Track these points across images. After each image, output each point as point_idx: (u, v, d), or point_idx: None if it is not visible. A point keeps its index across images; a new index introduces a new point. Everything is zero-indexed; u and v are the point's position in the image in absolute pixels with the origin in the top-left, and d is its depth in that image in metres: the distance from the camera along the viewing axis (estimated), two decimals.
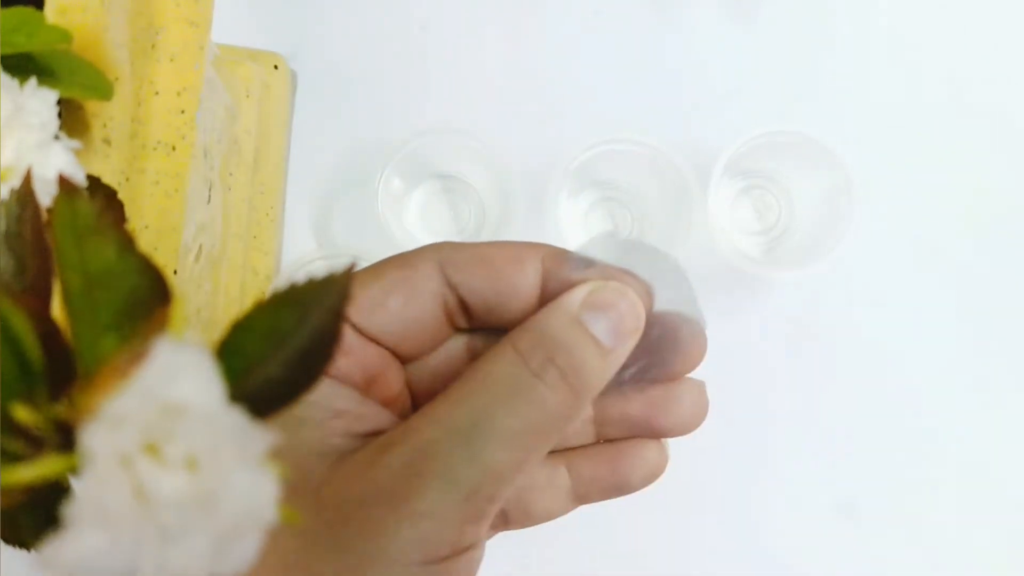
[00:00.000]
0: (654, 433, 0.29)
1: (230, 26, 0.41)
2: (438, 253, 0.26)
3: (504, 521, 0.29)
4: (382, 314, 0.26)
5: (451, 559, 0.23)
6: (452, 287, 0.26)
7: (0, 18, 0.27)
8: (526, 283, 0.26)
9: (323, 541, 0.23)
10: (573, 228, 0.48)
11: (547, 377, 0.24)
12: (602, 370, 0.25)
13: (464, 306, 0.27)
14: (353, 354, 0.25)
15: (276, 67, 0.47)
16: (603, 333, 0.25)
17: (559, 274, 0.26)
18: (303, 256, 0.47)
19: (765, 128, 0.44)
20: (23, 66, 0.27)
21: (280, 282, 0.46)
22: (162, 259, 0.34)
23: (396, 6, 0.50)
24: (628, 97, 0.50)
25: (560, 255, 0.26)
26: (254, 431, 0.16)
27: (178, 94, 0.34)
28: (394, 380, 0.27)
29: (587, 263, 0.26)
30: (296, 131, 0.49)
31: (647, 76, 0.50)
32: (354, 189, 0.48)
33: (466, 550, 0.24)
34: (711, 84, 0.50)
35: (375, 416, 0.25)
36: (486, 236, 0.47)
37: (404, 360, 0.27)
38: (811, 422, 0.48)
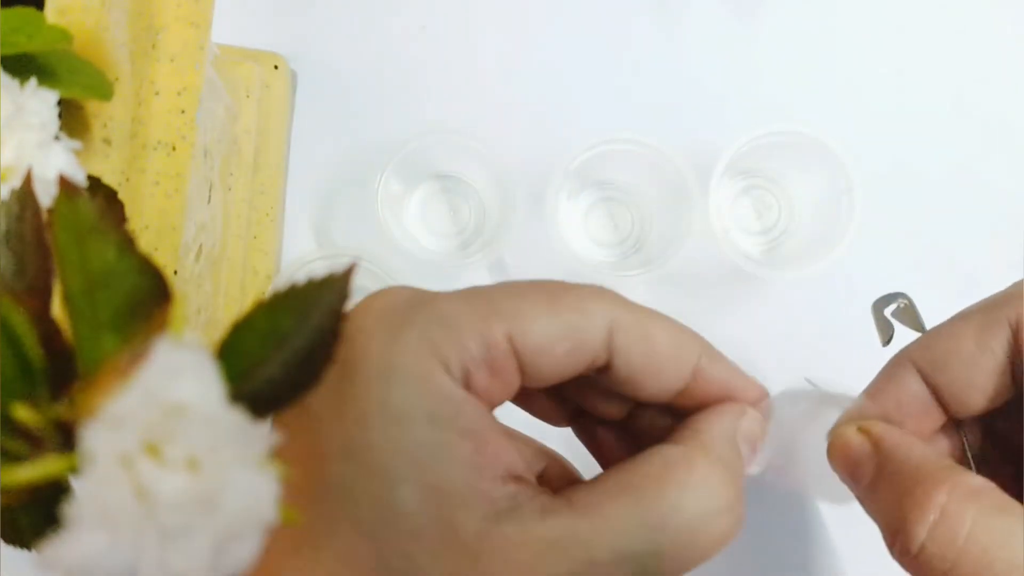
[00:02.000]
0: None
1: (230, 26, 0.41)
2: (611, 310, 0.25)
3: None
4: (547, 358, 0.24)
5: None
6: (611, 351, 0.25)
7: (0, 18, 0.27)
8: (680, 373, 0.26)
9: None
10: (573, 228, 0.48)
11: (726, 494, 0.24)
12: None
13: (607, 367, 0.25)
14: (504, 380, 0.24)
15: (276, 67, 0.47)
16: (745, 456, 0.26)
17: (709, 375, 0.26)
18: (303, 256, 0.47)
19: (765, 128, 0.44)
20: (23, 66, 0.27)
21: (280, 282, 0.46)
22: (162, 259, 0.34)
23: (396, 6, 0.50)
24: (628, 97, 0.50)
25: (716, 355, 0.26)
26: (254, 431, 0.16)
27: (178, 94, 0.34)
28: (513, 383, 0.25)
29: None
30: (296, 131, 0.49)
31: (647, 76, 0.50)
32: (354, 189, 0.48)
33: None
34: (712, 84, 0.50)
35: (507, 453, 0.23)
36: (486, 236, 0.48)
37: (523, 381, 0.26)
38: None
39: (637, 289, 0.47)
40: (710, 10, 0.50)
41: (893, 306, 0.31)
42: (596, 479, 0.24)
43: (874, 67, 0.50)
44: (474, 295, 0.24)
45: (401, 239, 0.45)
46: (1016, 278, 0.49)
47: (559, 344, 0.24)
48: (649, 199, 0.48)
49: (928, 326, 0.30)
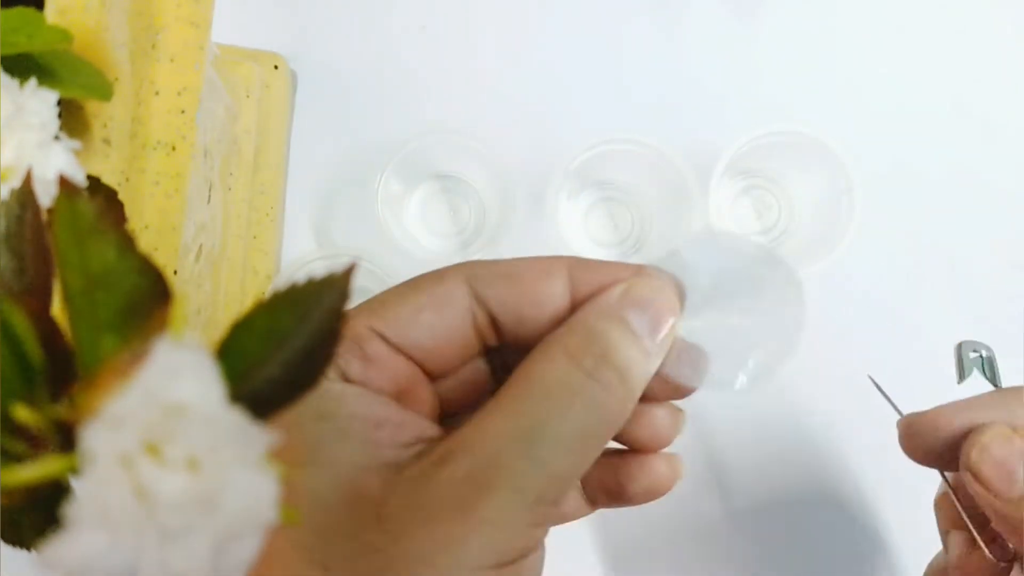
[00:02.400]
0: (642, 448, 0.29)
1: (230, 26, 0.41)
2: (467, 269, 0.27)
3: None
4: (414, 329, 0.26)
5: (519, 561, 0.24)
6: (481, 302, 0.26)
7: (0, 18, 0.27)
8: (554, 294, 0.26)
9: (393, 555, 0.23)
10: (573, 228, 0.48)
11: (601, 377, 0.24)
12: (648, 367, 0.25)
13: (494, 322, 0.27)
14: (384, 366, 0.26)
15: (276, 67, 0.47)
16: (643, 329, 0.25)
17: (586, 281, 0.26)
18: (303, 256, 0.47)
19: (765, 128, 0.44)
20: (23, 66, 0.27)
21: (280, 282, 0.46)
22: (162, 259, 0.34)
23: (396, 6, 0.50)
24: (628, 97, 0.50)
25: (585, 264, 0.27)
26: (254, 431, 0.16)
27: (178, 94, 0.34)
28: (424, 395, 0.27)
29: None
30: (296, 131, 0.49)
31: (647, 76, 0.50)
32: (354, 189, 0.48)
33: (532, 551, 0.24)
34: (712, 84, 0.50)
35: (415, 423, 0.25)
36: (486, 236, 0.48)
37: (433, 377, 0.27)
38: (811, 422, 0.48)
39: None
40: (710, 10, 0.50)
41: (976, 354, 0.32)
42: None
43: (874, 67, 0.50)
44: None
45: (401, 239, 0.45)
46: (1017, 279, 0.49)
47: (422, 315, 0.26)
48: (649, 199, 0.48)
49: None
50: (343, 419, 0.24)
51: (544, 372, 0.24)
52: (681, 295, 0.27)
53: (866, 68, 0.50)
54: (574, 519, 0.30)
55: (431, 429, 0.26)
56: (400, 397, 0.26)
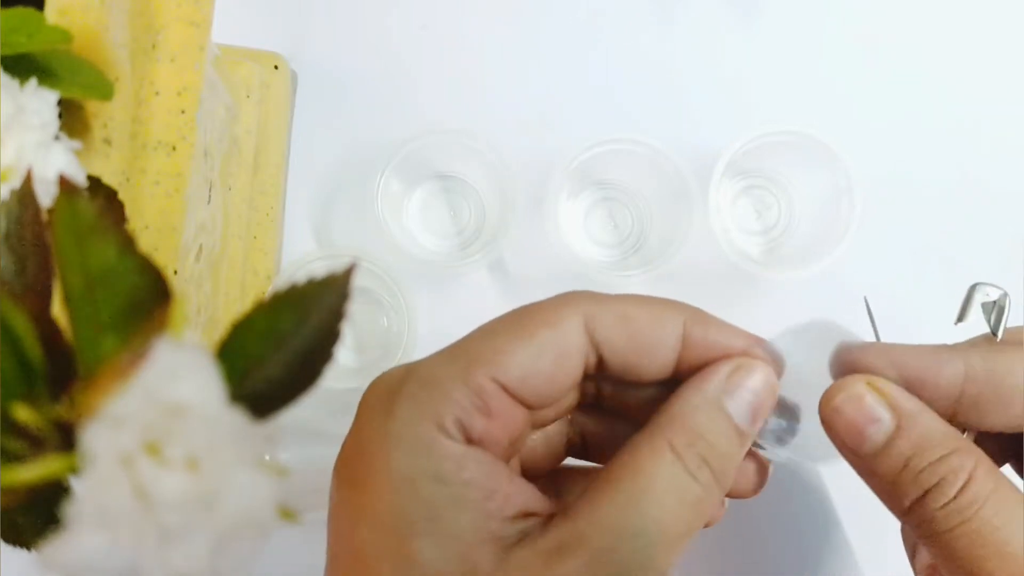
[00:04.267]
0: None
1: (230, 26, 0.41)
2: (584, 307, 0.26)
3: None
4: (535, 379, 0.25)
5: None
6: (595, 344, 0.26)
7: (0, 18, 0.27)
8: (666, 348, 0.26)
9: None
10: (573, 228, 0.48)
11: (702, 478, 0.25)
12: (740, 456, 0.26)
13: (601, 362, 0.27)
14: (503, 419, 0.25)
15: (276, 67, 0.47)
16: (742, 417, 0.26)
17: (699, 338, 0.27)
18: (303, 256, 0.47)
19: (765, 128, 0.44)
20: (23, 66, 0.27)
21: (280, 282, 0.46)
22: (162, 259, 0.34)
23: (396, 6, 0.50)
24: (628, 97, 0.50)
25: (702, 318, 0.27)
26: (254, 431, 0.16)
27: (178, 94, 0.34)
28: (526, 433, 0.27)
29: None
30: (296, 131, 0.49)
31: (647, 76, 0.50)
32: (354, 189, 0.48)
33: None
34: (711, 84, 0.50)
35: (521, 494, 0.25)
36: (486, 236, 0.48)
37: (536, 422, 0.27)
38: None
39: (637, 289, 0.47)
40: (710, 10, 0.50)
41: (988, 298, 0.31)
42: (591, 482, 0.25)
43: (874, 66, 0.50)
44: (453, 351, 0.26)
45: (401, 239, 0.45)
46: (1015, 279, 0.49)
47: (541, 362, 0.25)
48: (649, 199, 0.48)
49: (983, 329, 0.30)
50: (460, 485, 0.24)
51: (654, 469, 0.25)
52: (780, 375, 0.27)
53: (866, 68, 0.50)
54: None
55: (535, 500, 0.26)
56: (511, 446, 0.26)
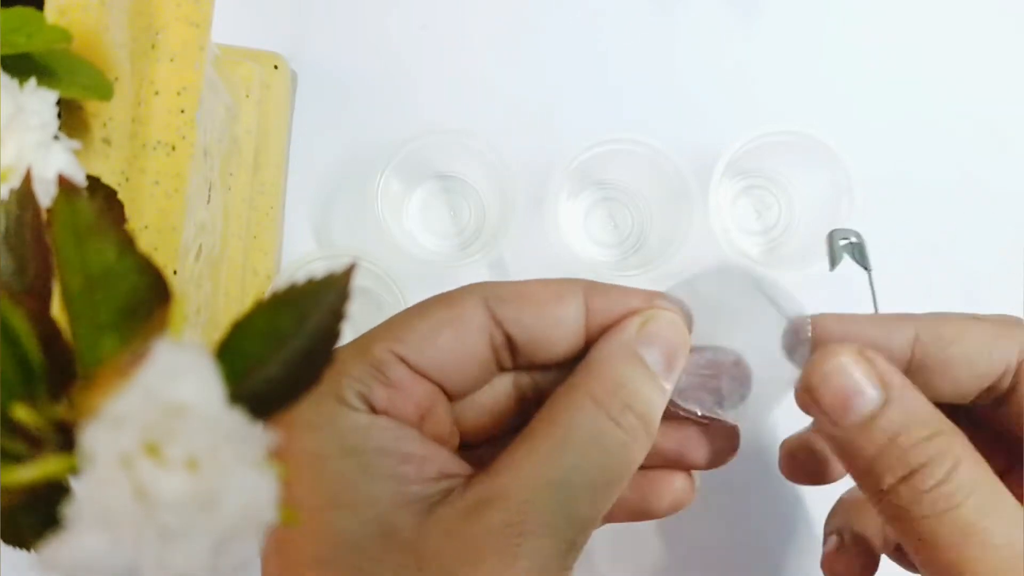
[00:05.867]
0: (684, 466, 0.30)
1: (230, 26, 0.41)
2: (482, 290, 0.27)
3: None
4: (432, 350, 0.26)
5: None
6: (498, 323, 0.27)
7: (0, 18, 0.27)
8: (568, 317, 0.27)
9: None
10: (573, 228, 0.48)
11: (626, 423, 0.25)
12: (663, 402, 0.26)
13: (510, 343, 0.27)
14: (406, 390, 0.26)
15: (276, 67, 0.47)
16: (658, 365, 0.26)
17: (600, 307, 0.27)
18: (303, 256, 0.47)
19: (765, 128, 0.44)
20: (23, 66, 0.27)
21: (280, 282, 0.46)
22: (162, 259, 0.34)
23: (396, 6, 0.50)
24: (628, 97, 0.50)
25: (598, 289, 0.27)
26: (254, 431, 0.16)
27: (178, 94, 0.34)
28: (443, 417, 0.27)
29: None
30: (296, 131, 0.49)
31: (647, 76, 0.50)
32: (354, 189, 0.48)
33: None
34: (711, 84, 0.50)
35: (437, 457, 0.25)
36: (486, 236, 0.48)
37: (452, 397, 0.28)
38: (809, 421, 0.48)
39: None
40: (710, 10, 0.50)
41: (846, 241, 0.33)
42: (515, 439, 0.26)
43: (874, 66, 0.50)
44: (358, 337, 0.26)
45: (401, 239, 0.45)
46: (1015, 279, 0.49)
47: (440, 337, 0.26)
48: (649, 199, 0.48)
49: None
50: (370, 454, 0.24)
51: (573, 420, 0.25)
52: (690, 326, 0.27)
53: (866, 67, 0.50)
54: None
55: (453, 463, 0.26)
56: (423, 420, 0.26)
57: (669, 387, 0.26)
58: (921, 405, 0.26)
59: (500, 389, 0.29)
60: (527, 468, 0.24)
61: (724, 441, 0.30)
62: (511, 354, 0.27)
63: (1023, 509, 0.25)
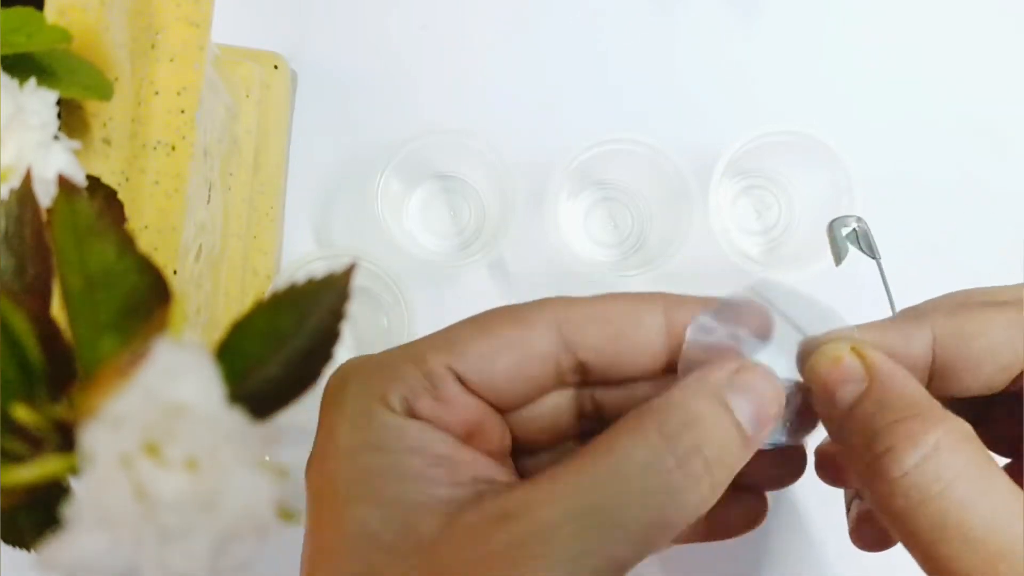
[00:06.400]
0: (754, 487, 0.29)
1: (230, 26, 0.41)
2: (557, 312, 0.25)
3: None
4: (491, 372, 0.25)
5: None
6: (571, 349, 0.25)
7: (0, 18, 0.27)
8: (649, 341, 0.25)
9: None
10: (573, 228, 0.48)
11: (691, 468, 0.22)
12: (743, 460, 0.24)
13: (581, 365, 0.26)
14: (455, 406, 0.25)
15: (276, 67, 0.47)
16: (747, 420, 0.24)
17: (684, 321, 0.25)
18: (303, 256, 0.47)
19: (765, 128, 0.44)
20: (23, 66, 0.27)
21: (280, 282, 0.46)
22: (162, 259, 0.34)
23: (396, 6, 0.50)
24: (628, 97, 0.50)
25: (682, 304, 0.26)
26: (254, 431, 0.16)
27: (178, 94, 0.34)
28: (495, 431, 0.26)
29: (712, 323, 0.26)
30: (296, 131, 0.49)
31: (647, 76, 0.50)
32: (354, 189, 0.48)
33: None
34: (711, 84, 0.50)
35: (475, 463, 0.24)
36: (486, 236, 0.47)
37: (505, 411, 0.26)
38: None
39: (637, 289, 0.47)
40: (710, 10, 0.50)
41: (848, 229, 0.31)
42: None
43: (874, 66, 0.50)
44: (414, 341, 0.26)
45: (401, 239, 0.45)
46: (1015, 279, 0.49)
47: (501, 358, 0.25)
48: (649, 199, 0.48)
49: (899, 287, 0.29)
50: (401, 453, 0.23)
51: (629, 448, 0.22)
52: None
53: (867, 67, 0.50)
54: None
55: (493, 469, 0.25)
56: (469, 436, 0.25)
57: (756, 446, 0.24)
58: (899, 389, 0.24)
59: (564, 400, 0.27)
60: (563, 488, 0.22)
61: (792, 463, 0.28)
62: (582, 375, 0.26)
63: (1015, 493, 0.22)
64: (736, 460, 0.23)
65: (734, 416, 0.23)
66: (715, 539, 0.29)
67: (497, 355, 0.25)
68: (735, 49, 0.50)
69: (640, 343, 0.25)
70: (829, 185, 0.45)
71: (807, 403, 0.27)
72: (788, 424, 0.27)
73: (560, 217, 0.45)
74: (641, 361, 0.26)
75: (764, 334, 0.26)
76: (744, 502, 0.29)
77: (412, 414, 0.24)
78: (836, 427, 0.25)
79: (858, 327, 0.27)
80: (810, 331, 0.27)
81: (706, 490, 0.23)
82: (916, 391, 0.25)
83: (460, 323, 0.26)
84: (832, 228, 0.31)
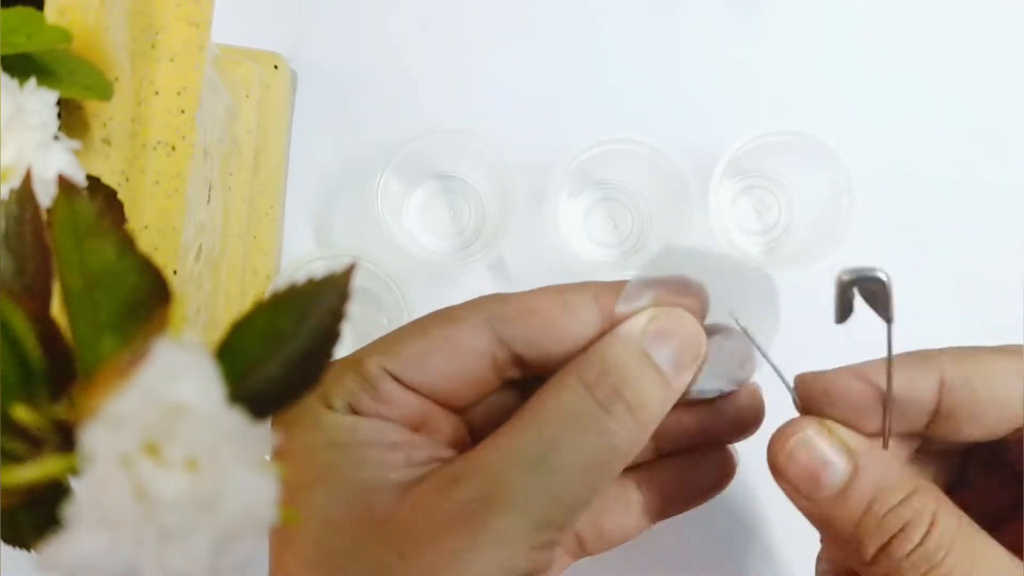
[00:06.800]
0: (711, 441, 0.29)
1: (230, 26, 0.41)
2: (488, 310, 0.26)
3: (581, 547, 0.29)
4: (423, 371, 0.26)
5: None
6: (503, 343, 0.26)
7: (0, 18, 0.27)
8: (582, 328, 0.26)
9: (400, 571, 0.23)
10: (573, 228, 0.48)
11: (614, 410, 0.24)
12: (665, 400, 0.25)
13: (518, 358, 0.26)
14: (396, 403, 0.26)
15: (276, 67, 0.47)
16: (666, 363, 0.25)
17: (615, 310, 0.26)
18: (303, 256, 0.47)
19: (765, 128, 0.44)
20: (23, 66, 0.27)
21: (280, 282, 0.46)
22: (162, 259, 0.34)
23: (396, 6, 0.50)
24: (628, 97, 0.50)
25: (612, 289, 0.26)
26: (254, 431, 0.16)
27: (178, 94, 0.34)
28: (442, 426, 0.27)
29: (644, 284, 0.26)
30: (296, 131, 0.49)
31: (647, 76, 0.50)
32: (354, 189, 0.48)
33: (540, 573, 0.24)
34: (711, 84, 0.50)
35: (430, 445, 0.26)
36: (486, 236, 0.48)
37: (457, 409, 0.27)
38: None
39: None
40: (710, 10, 0.50)
41: (861, 284, 0.27)
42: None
43: (875, 66, 0.50)
44: (359, 349, 0.27)
45: (401, 239, 0.45)
46: (1015, 279, 0.49)
47: (434, 357, 0.26)
48: (649, 199, 0.48)
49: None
50: (355, 447, 0.25)
51: (557, 399, 0.24)
52: (705, 314, 0.26)
53: (867, 67, 0.50)
54: (632, 537, 0.29)
55: (445, 452, 0.26)
56: (417, 428, 0.26)
57: (679, 386, 0.25)
58: (890, 467, 0.25)
59: (508, 396, 0.28)
60: (504, 444, 0.24)
61: (749, 411, 0.29)
62: (521, 368, 0.27)
63: (1005, 553, 0.24)
64: (659, 401, 0.25)
65: (652, 360, 0.25)
66: (696, 503, 0.29)
67: (431, 354, 0.26)
68: (735, 49, 0.50)
69: (572, 331, 0.26)
70: (829, 185, 0.45)
71: (741, 347, 0.27)
72: (725, 370, 0.27)
73: (560, 217, 0.45)
74: (576, 349, 0.26)
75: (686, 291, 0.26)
76: (711, 458, 0.29)
77: (355, 412, 0.25)
78: (822, 511, 0.26)
79: (856, 369, 0.27)
80: (731, 281, 0.26)
81: (633, 430, 0.24)
82: (899, 464, 0.26)
83: (401, 327, 0.27)
84: (842, 283, 0.27)
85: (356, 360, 0.26)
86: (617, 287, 0.26)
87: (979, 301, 0.48)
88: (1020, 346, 0.27)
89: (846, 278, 0.27)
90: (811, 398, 0.27)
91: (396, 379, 0.26)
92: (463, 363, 0.26)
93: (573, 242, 0.47)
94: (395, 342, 0.26)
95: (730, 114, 0.49)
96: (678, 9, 0.50)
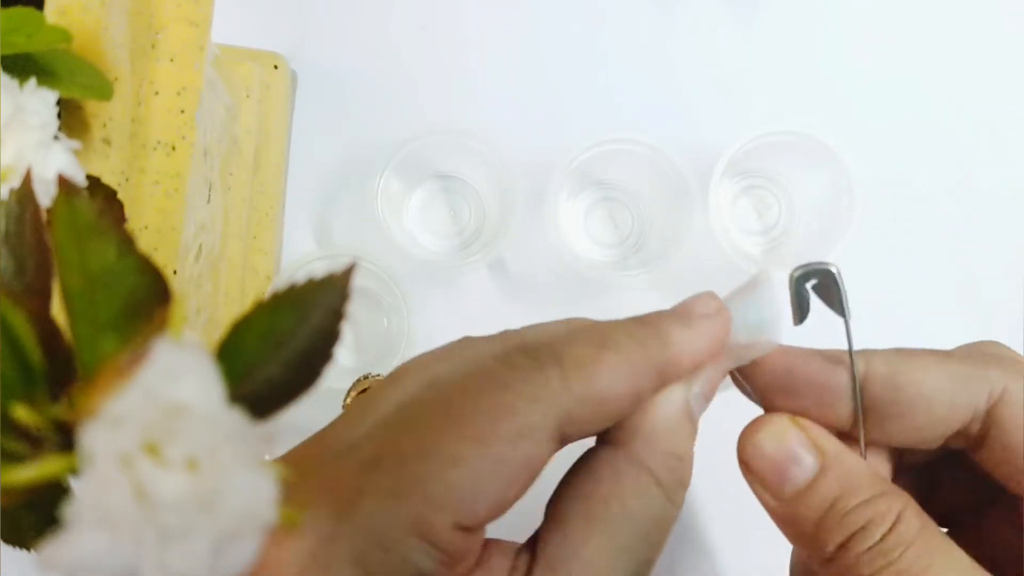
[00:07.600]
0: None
1: (230, 26, 0.41)
2: (553, 404, 0.22)
3: None
4: (498, 508, 0.22)
5: None
6: (564, 439, 0.23)
7: (0, 18, 0.27)
8: (638, 403, 0.24)
9: None
10: (573, 228, 0.48)
11: (678, 500, 0.24)
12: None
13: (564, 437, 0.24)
14: (463, 552, 0.22)
15: (276, 67, 0.47)
16: (698, 409, 0.25)
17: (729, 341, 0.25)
18: (303, 256, 0.47)
19: (765, 128, 0.44)
20: (23, 66, 0.27)
21: (280, 282, 0.46)
22: (162, 259, 0.34)
23: (396, 6, 0.50)
24: (628, 97, 0.50)
25: (671, 362, 0.24)
26: (254, 431, 0.16)
27: (178, 94, 0.34)
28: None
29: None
30: (296, 131, 0.49)
31: (647, 76, 0.50)
32: (354, 189, 0.48)
33: None
34: (711, 84, 0.50)
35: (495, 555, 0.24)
36: (486, 236, 0.48)
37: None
38: None
39: (637, 289, 0.47)
40: (710, 10, 0.50)
41: (815, 280, 0.27)
42: (557, 515, 0.23)
43: (875, 67, 0.50)
44: (400, 474, 0.21)
45: (401, 239, 0.45)
46: (1014, 279, 0.49)
47: (510, 491, 0.22)
48: (649, 199, 0.48)
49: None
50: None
51: (640, 506, 0.23)
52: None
53: (867, 68, 0.50)
54: None
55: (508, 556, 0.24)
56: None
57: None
58: (859, 468, 0.25)
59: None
60: (585, 555, 0.22)
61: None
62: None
63: (968, 559, 0.24)
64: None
65: (693, 416, 0.25)
66: None
67: (508, 490, 0.22)
68: (735, 49, 0.50)
69: (621, 407, 0.24)
70: (829, 185, 0.45)
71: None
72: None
73: (560, 217, 0.45)
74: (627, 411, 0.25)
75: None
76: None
77: None
78: (785, 508, 0.25)
79: (784, 349, 0.27)
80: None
81: (681, 500, 0.24)
82: (869, 468, 0.25)
83: (447, 439, 0.21)
84: (795, 280, 0.26)
85: (420, 520, 0.21)
86: (680, 362, 0.24)
87: (979, 301, 0.48)
88: (970, 348, 0.27)
89: (796, 273, 0.26)
90: (775, 372, 0.27)
91: (464, 530, 0.21)
92: (530, 478, 0.22)
93: (573, 242, 0.47)
94: (461, 486, 0.21)
95: (730, 114, 0.49)
96: (678, 9, 0.50)
